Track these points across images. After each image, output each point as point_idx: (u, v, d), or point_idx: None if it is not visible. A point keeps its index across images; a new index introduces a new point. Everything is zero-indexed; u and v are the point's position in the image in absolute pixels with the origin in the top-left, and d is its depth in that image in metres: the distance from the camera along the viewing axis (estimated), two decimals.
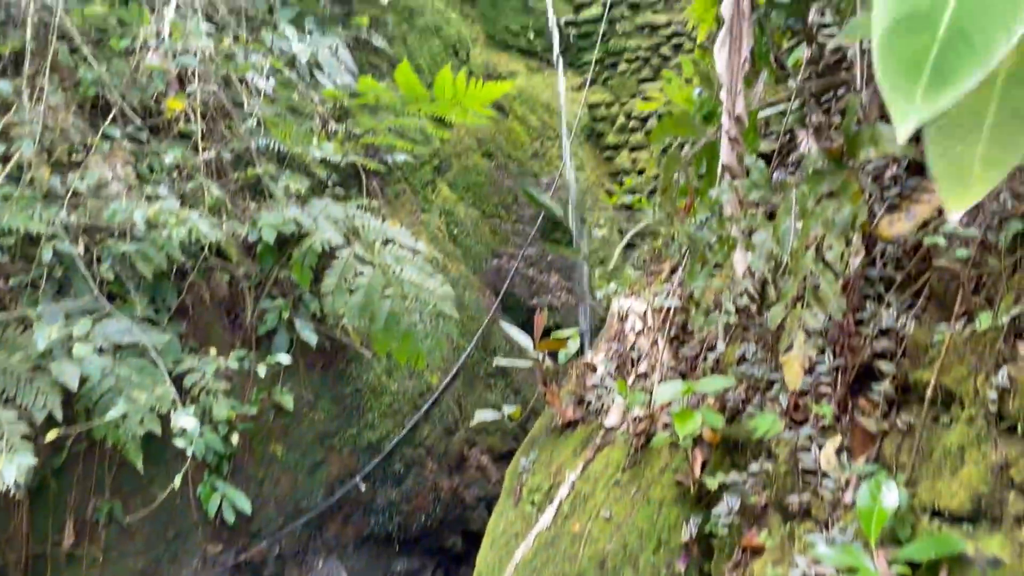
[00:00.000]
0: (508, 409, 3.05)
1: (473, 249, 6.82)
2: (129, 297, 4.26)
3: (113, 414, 3.19)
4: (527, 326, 5.93)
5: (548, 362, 2.87)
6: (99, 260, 3.77)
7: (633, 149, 7.61)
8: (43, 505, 4.23)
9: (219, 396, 4.28)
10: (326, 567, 5.11)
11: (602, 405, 2.78)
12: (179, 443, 3.28)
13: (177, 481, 3.53)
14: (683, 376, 2.57)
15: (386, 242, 4.33)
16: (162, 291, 4.50)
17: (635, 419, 2.53)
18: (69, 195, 3.64)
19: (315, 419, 5.17)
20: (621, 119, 7.70)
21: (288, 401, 4.89)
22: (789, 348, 1.86)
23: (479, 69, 7.37)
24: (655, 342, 2.66)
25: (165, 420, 4.06)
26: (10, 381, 3.36)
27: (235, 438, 4.55)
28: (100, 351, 3.75)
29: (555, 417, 2.94)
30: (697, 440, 2.25)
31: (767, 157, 2.66)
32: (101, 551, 4.29)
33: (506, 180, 7.23)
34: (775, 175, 2.50)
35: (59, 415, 3.40)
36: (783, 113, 2.70)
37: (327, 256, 4.53)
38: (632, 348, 2.78)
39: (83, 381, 3.66)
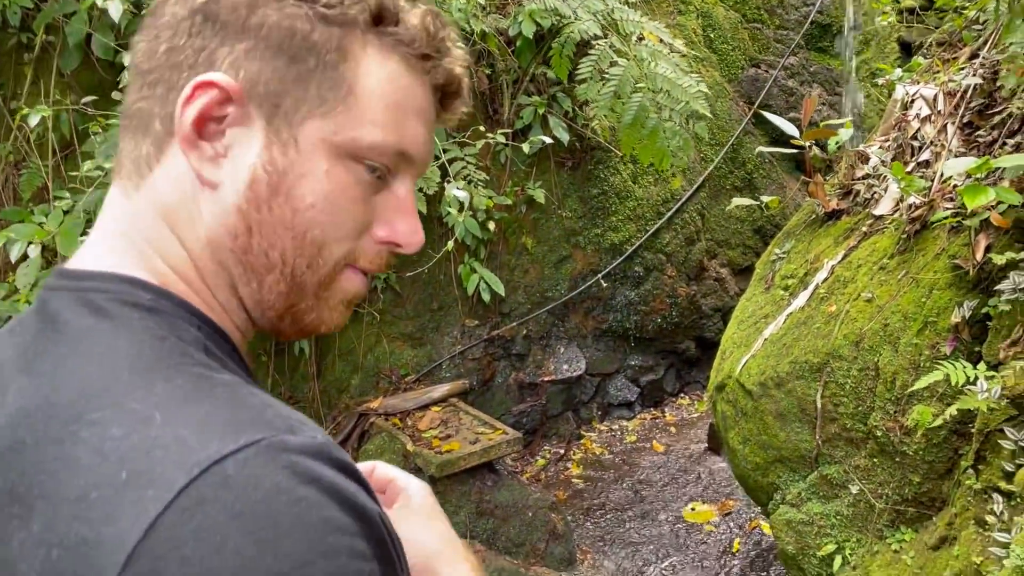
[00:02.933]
0: (766, 198, 3.00)
1: (729, 56, 6.48)
2: None
3: None
4: (779, 143, 5.65)
5: (815, 151, 2.76)
6: None
7: None
8: None
9: (479, 184, 4.59)
10: (567, 352, 5.50)
11: (872, 195, 2.66)
12: (450, 210, 3.59)
13: (450, 245, 3.90)
14: None
15: (642, 37, 4.24)
16: None
17: (910, 205, 2.41)
18: None
19: (563, 216, 5.40)
20: None
21: (539, 196, 5.13)
22: None
23: None
24: (943, 128, 2.46)
25: (431, 203, 4.46)
26: None
27: (491, 226, 4.90)
28: None
29: (816, 209, 2.86)
30: (982, 224, 2.11)
31: None
32: (379, 312, 4.92)
33: None
34: None
35: None
36: None
37: (583, 46, 4.54)
38: (914, 136, 2.59)
39: None
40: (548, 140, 4.31)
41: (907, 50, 6.67)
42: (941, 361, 1.90)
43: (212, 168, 0.59)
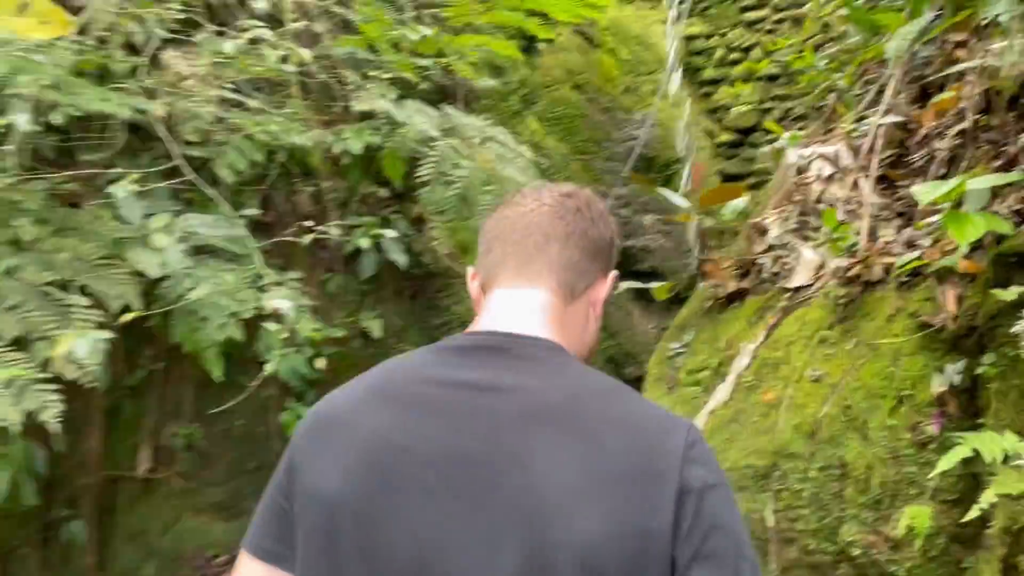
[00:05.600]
0: (655, 283, 2.56)
1: None
2: (210, 205, 3.90)
3: (197, 294, 2.81)
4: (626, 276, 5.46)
5: (708, 222, 2.38)
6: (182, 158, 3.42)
7: (734, 83, 7.02)
8: (118, 427, 3.91)
9: (305, 313, 3.88)
10: None
11: (781, 268, 2.28)
12: (270, 327, 2.89)
13: (269, 368, 3.13)
14: (900, 215, 2.06)
15: (485, 140, 3.88)
16: (243, 201, 4.14)
17: (838, 268, 2.02)
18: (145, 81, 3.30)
19: (404, 350, 4.75)
20: (720, 52, 7.12)
21: (376, 327, 4.48)
22: None
23: None
24: (855, 184, 2.15)
25: (250, 334, 3.70)
26: (82, 268, 3.01)
27: (320, 363, 4.17)
28: (182, 252, 3.38)
29: (715, 291, 2.44)
30: (945, 273, 1.73)
31: None
32: (180, 479, 3.95)
33: (597, 115, 6.73)
34: None
35: (136, 305, 3.04)
36: None
37: (417, 161, 4.11)
38: (819, 200, 2.27)
39: (160, 279, 3.30)
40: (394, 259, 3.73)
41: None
42: (962, 435, 1.42)
43: (594, 315, 1.08)
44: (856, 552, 1.74)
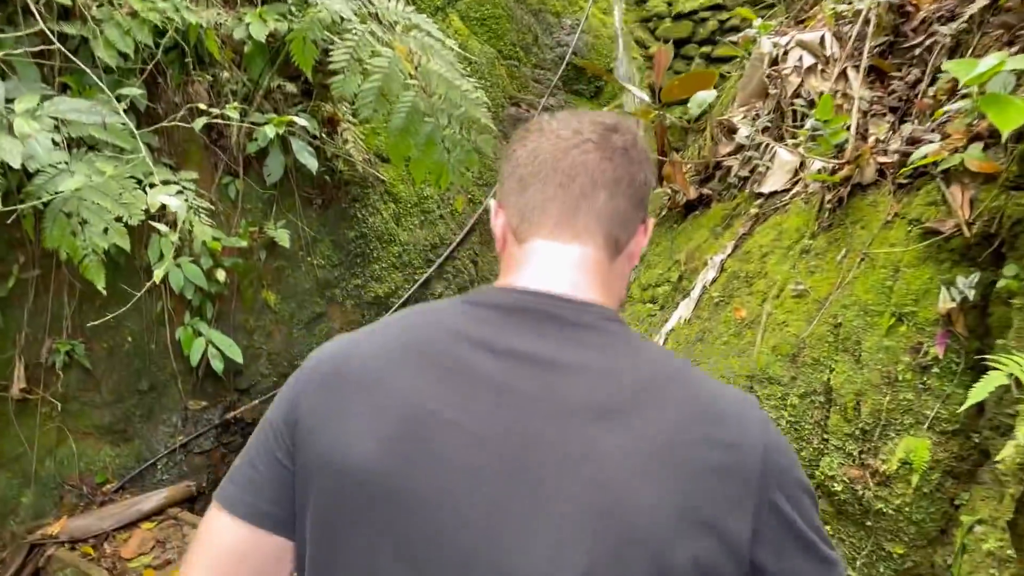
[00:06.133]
0: None
1: (489, 92, 5.93)
2: (87, 90, 3.36)
3: (68, 185, 2.36)
4: None
5: (671, 119, 2.09)
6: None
7: None
8: None
9: (201, 215, 3.43)
10: None
11: (752, 171, 2.02)
12: (160, 228, 2.46)
13: (166, 271, 2.71)
14: (892, 111, 1.81)
15: (408, 29, 3.46)
16: (128, 88, 3.61)
17: (825, 169, 1.77)
18: None
19: (314, 264, 4.38)
20: None
21: (283, 237, 4.07)
22: None
23: None
24: (843, 74, 1.88)
25: (135, 242, 3.24)
26: None
27: (221, 275, 3.76)
28: (54, 144, 2.87)
29: (674, 199, 2.17)
30: (956, 173, 1.50)
31: None
32: (60, 400, 3.52)
33: (525, 17, 6.29)
34: None
35: None
36: None
37: (330, 54, 3.65)
38: (796, 94, 2.00)
39: (33, 175, 2.81)
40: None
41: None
42: (998, 358, 1.20)
43: (631, 267, 1.01)
44: (837, 487, 1.55)
